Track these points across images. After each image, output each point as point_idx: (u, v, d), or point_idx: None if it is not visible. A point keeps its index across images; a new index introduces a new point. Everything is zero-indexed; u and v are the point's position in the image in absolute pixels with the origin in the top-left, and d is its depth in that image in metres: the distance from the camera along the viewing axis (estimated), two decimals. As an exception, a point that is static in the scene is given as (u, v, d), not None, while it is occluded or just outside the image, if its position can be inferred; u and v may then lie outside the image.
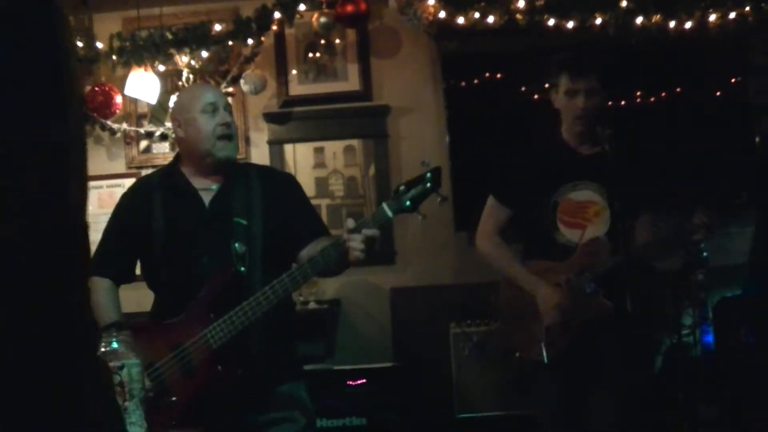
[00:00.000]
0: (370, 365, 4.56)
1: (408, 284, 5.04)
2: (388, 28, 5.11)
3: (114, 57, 4.80)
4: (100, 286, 2.80)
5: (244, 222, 2.77)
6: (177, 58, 4.80)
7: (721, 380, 4.38)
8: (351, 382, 4.44)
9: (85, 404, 0.87)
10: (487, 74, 5.16)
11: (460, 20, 4.70)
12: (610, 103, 3.43)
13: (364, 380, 4.44)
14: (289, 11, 4.78)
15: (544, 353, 3.09)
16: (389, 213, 2.58)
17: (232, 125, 2.84)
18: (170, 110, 4.26)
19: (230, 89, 4.93)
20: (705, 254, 4.48)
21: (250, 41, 4.83)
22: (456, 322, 4.67)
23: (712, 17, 4.68)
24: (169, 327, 2.67)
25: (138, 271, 2.93)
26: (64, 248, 0.86)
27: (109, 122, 4.93)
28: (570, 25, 4.68)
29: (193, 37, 4.78)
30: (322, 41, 5.06)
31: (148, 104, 4.96)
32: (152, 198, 2.85)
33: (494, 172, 3.51)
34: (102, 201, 4.94)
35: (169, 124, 4.82)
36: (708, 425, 4.26)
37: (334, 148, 5.13)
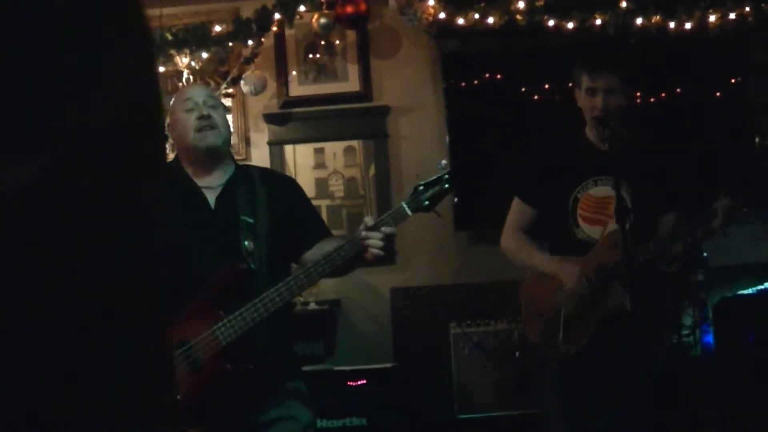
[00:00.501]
0: (370, 365, 4.57)
1: (408, 284, 5.04)
2: (388, 28, 5.12)
3: (114, 57, 4.80)
4: None
5: (251, 220, 2.77)
6: (177, 58, 4.80)
7: (721, 380, 4.38)
8: (351, 383, 4.44)
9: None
10: (487, 74, 5.15)
11: (460, 20, 4.71)
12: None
13: (364, 380, 4.44)
14: (289, 12, 4.79)
15: (558, 345, 3.11)
16: (408, 211, 2.66)
17: (213, 116, 2.83)
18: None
19: (230, 90, 4.94)
20: (705, 254, 4.49)
21: (250, 42, 4.83)
22: (456, 322, 4.67)
23: (712, 17, 4.69)
24: (173, 323, 2.66)
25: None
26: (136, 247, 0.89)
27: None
28: (570, 25, 4.69)
29: (193, 37, 4.78)
30: (322, 42, 5.07)
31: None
32: None
33: (517, 172, 3.51)
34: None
35: (169, 125, 4.83)
36: (708, 425, 4.26)
37: (334, 148, 5.13)
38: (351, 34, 5.08)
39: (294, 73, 5.12)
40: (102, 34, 0.83)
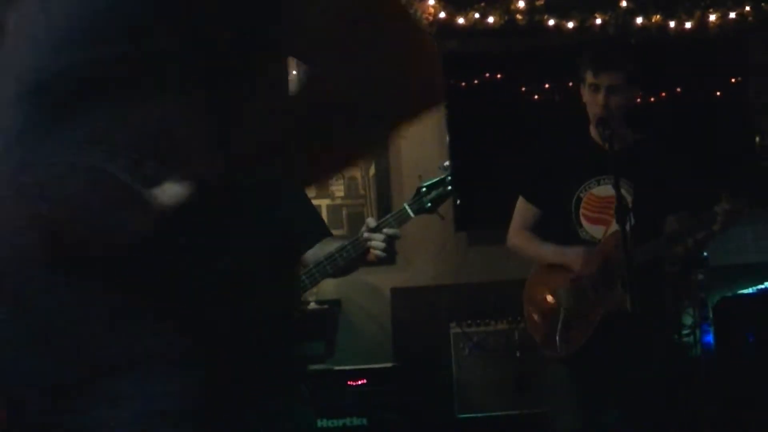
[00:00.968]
0: (370, 365, 4.56)
1: (408, 284, 5.04)
2: (388, 28, 5.11)
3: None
4: None
5: None
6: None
7: (721, 380, 4.38)
8: (351, 382, 4.44)
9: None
10: (488, 74, 5.15)
11: (461, 20, 4.71)
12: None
13: (364, 380, 4.44)
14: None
15: (558, 344, 3.11)
16: (411, 213, 2.68)
17: None
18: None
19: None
20: (705, 254, 4.49)
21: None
22: (456, 322, 4.67)
23: (712, 17, 4.69)
24: None
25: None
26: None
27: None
28: (570, 25, 4.69)
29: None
30: (323, 41, 5.06)
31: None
32: None
33: (521, 171, 3.51)
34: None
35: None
36: (708, 425, 4.26)
37: (334, 148, 5.12)
38: (351, 34, 5.07)
39: (294, 72, 5.11)
40: None
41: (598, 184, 3.22)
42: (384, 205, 4.94)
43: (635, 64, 3.23)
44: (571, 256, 3.21)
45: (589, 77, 3.18)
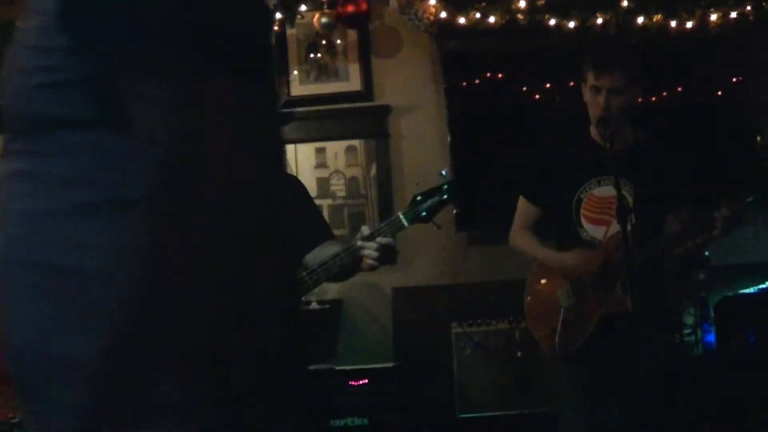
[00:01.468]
0: (371, 365, 4.57)
1: (409, 284, 5.05)
2: (388, 27, 5.12)
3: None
4: None
5: None
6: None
7: (722, 380, 4.38)
8: (353, 382, 4.44)
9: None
10: (488, 74, 5.15)
11: (461, 20, 4.71)
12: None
13: (365, 380, 4.45)
14: (290, 11, 4.79)
15: (557, 342, 3.11)
16: (405, 222, 2.64)
17: None
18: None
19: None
20: (706, 253, 4.49)
21: (251, 41, 4.83)
22: (457, 322, 4.68)
23: (713, 17, 4.69)
24: None
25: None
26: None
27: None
28: (571, 24, 4.69)
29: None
30: (323, 41, 5.07)
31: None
32: None
33: (523, 171, 3.51)
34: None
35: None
36: (708, 425, 4.26)
37: (335, 148, 5.13)
38: (352, 34, 5.08)
39: (295, 72, 5.12)
40: None
41: (599, 185, 3.22)
42: (385, 205, 4.95)
43: (636, 65, 3.23)
44: (569, 262, 3.21)
45: (591, 79, 3.19)
